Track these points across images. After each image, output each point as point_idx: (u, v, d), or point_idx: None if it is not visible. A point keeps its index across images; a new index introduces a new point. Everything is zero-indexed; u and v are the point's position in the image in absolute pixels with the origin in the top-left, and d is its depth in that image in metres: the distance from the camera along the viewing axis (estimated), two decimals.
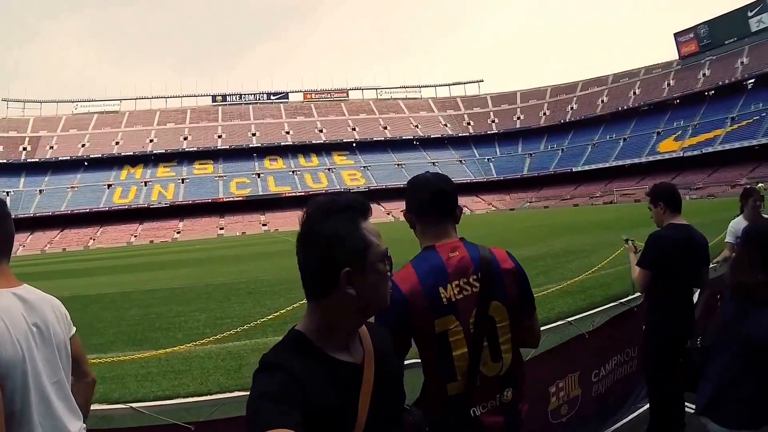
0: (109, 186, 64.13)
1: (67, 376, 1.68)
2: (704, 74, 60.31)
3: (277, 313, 5.37)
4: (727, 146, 49.82)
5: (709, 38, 61.66)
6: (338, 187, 65.43)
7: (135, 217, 60.46)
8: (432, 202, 1.77)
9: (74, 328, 1.76)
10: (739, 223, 4.77)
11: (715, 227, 14.31)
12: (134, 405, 2.15)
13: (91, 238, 56.16)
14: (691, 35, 63.94)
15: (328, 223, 1.15)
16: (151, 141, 70.11)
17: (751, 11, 57.09)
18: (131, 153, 67.43)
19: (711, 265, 3.74)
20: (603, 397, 3.49)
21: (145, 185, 64.91)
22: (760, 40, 55.74)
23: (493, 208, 64.19)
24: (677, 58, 66.21)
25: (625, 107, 67.03)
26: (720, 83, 57.39)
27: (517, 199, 67.11)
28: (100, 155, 66.88)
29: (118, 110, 76.93)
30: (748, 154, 47.94)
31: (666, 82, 64.84)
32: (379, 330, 1.35)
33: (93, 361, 2.72)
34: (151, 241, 54.09)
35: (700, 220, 19.23)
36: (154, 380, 5.72)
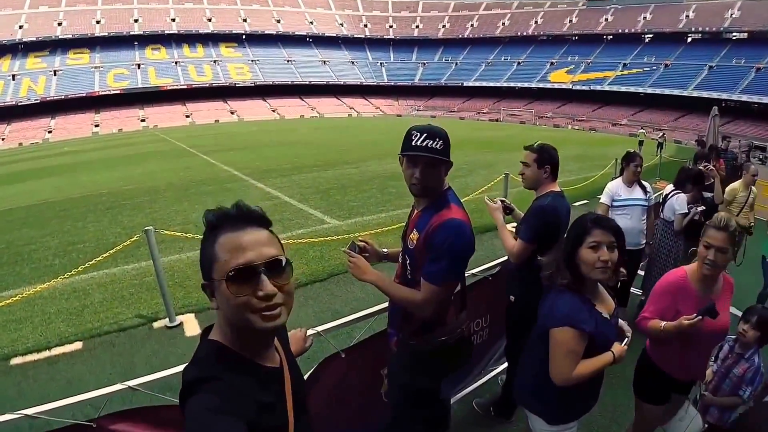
0: None
1: None
2: (606, 19, 63.30)
3: (129, 241, 5.80)
4: (615, 88, 53.81)
5: None
6: (223, 81, 63.62)
7: (2, 116, 54.78)
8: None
9: None
10: (617, 185, 4.84)
11: (597, 159, 18.01)
12: None
13: None
14: None
15: (207, 231, 1.14)
16: (20, 27, 62.14)
17: None
18: None
19: None
20: None
21: (13, 79, 58.69)
22: (666, 2, 59.33)
23: (381, 113, 65.61)
24: None
25: (525, 33, 69.37)
26: (620, 31, 60.61)
27: (405, 106, 68.87)
28: None
29: None
30: (633, 99, 52.08)
31: (568, 18, 67.30)
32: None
33: None
34: (21, 144, 49.82)
35: (581, 152, 23.64)
36: None
